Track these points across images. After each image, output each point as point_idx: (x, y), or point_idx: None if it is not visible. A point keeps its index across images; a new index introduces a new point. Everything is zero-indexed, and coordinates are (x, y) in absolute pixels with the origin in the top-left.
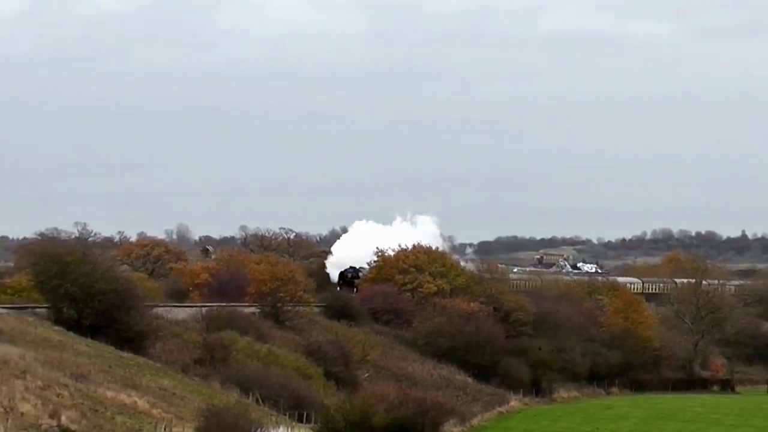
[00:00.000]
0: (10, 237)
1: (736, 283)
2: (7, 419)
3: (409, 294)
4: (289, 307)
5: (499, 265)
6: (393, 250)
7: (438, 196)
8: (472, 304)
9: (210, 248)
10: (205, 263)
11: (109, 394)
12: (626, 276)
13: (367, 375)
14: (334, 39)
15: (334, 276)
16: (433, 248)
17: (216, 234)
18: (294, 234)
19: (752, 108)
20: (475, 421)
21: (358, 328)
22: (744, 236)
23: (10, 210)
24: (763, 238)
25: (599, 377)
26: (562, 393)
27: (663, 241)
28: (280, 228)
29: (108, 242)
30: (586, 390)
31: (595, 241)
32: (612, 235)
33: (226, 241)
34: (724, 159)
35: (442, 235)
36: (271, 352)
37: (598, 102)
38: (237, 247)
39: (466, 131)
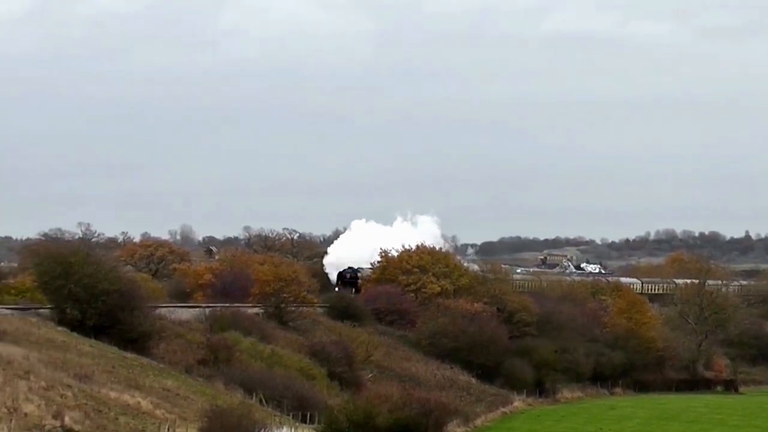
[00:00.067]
0: (14, 237)
1: (740, 283)
2: (11, 420)
3: (412, 294)
4: (293, 308)
5: (503, 266)
6: (396, 251)
7: (440, 196)
8: (475, 304)
9: (213, 249)
10: (209, 264)
11: (113, 394)
12: (628, 277)
13: (370, 375)
14: (335, 39)
15: (333, 276)
16: (436, 249)
17: (219, 234)
18: (297, 234)
19: (753, 108)
20: (478, 422)
21: (361, 329)
22: (747, 237)
23: (13, 210)
24: (766, 239)
25: (603, 378)
26: (566, 393)
27: (666, 242)
28: (284, 228)
29: (111, 243)
30: (589, 390)
31: (598, 241)
32: (615, 235)
33: (229, 242)
34: (727, 159)
35: (443, 236)
36: (275, 352)
37: (600, 102)
38: (240, 248)
39: (467, 131)
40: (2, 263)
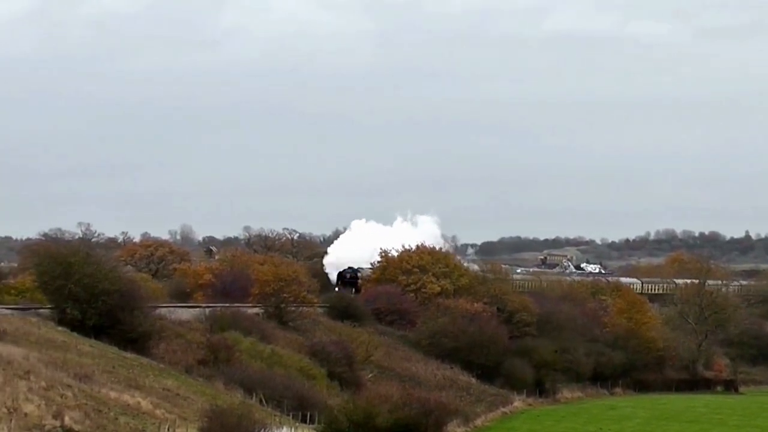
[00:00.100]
0: (14, 237)
1: (740, 283)
2: (11, 420)
3: (412, 294)
4: (293, 308)
5: (503, 266)
6: (397, 251)
7: (441, 196)
8: (475, 304)
9: (213, 249)
10: (209, 264)
11: (113, 394)
12: (628, 277)
13: (370, 375)
14: (335, 39)
15: (333, 276)
16: (436, 249)
17: (220, 234)
18: (297, 234)
19: (753, 108)
20: (478, 422)
21: (361, 329)
22: (747, 237)
23: (13, 210)
24: (766, 239)
25: (603, 378)
26: (566, 393)
27: (666, 242)
28: (284, 228)
29: (112, 243)
30: (589, 390)
31: (598, 241)
32: (615, 235)
33: (229, 242)
34: (727, 159)
35: (443, 236)
36: (275, 352)
37: (600, 102)
38: (240, 248)
39: (468, 131)
40: (2, 263)
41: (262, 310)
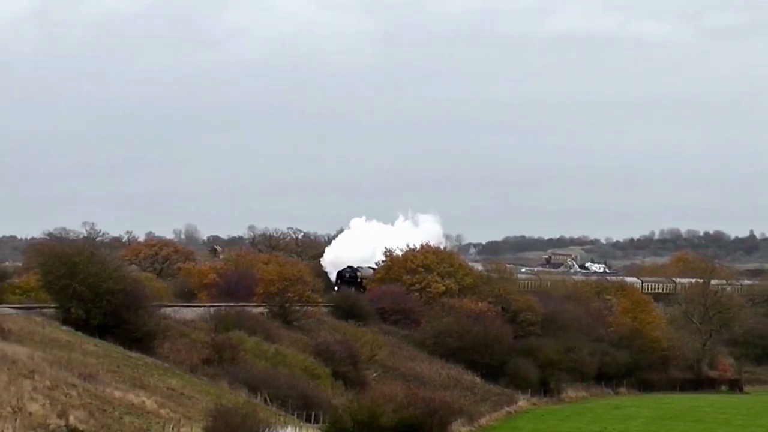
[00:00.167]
0: (19, 237)
1: (745, 283)
2: (16, 419)
3: (417, 294)
4: (298, 307)
5: (507, 265)
6: (401, 250)
7: (445, 196)
8: (480, 304)
9: (218, 248)
10: (214, 263)
11: (118, 394)
12: (630, 276)
13: (375, 375)
14: (336, 39)
15: (332, 275)
16: (440, 248)
17: (224, 234)
18: (302, 234)
19: (756, 108)
20: (483, 421)
21: (366, 328)
22: (752, 236)
23: (18, 210)
24: None
25: (607, 377)
26: (570, 393)
27: (671, 241)
28: (288, 228)
29: (116, 242)
30: (594, 390)
31: (603, 241)
32: (620, 235)
33: (234, 241)
34: (731, 159)
35: (445, 235)
36: (280, 352)
37: (603, 102)
38: (245, 247)
39: (470, 131)
40: (7, 263)
41: (266, 310)
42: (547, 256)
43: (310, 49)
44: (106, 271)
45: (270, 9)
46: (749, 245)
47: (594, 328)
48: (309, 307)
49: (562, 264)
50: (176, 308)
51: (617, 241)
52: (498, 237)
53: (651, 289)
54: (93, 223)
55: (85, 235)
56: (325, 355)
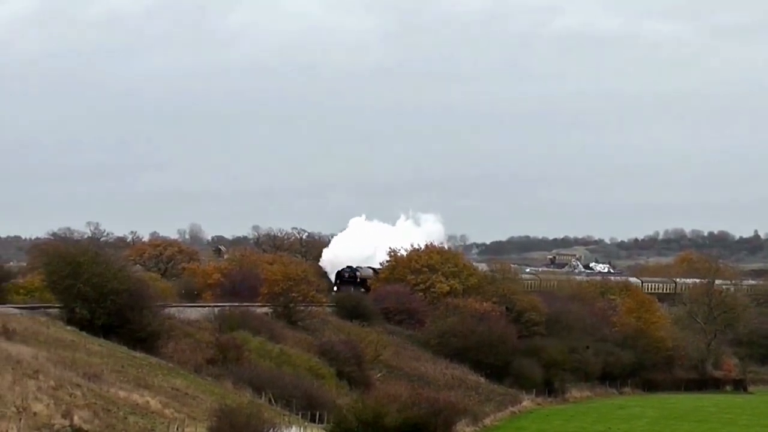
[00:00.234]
0: (23, 237)
1: (749, 283)
2: (20, 419)
3: (421, 294)
4: (302, 307)
5: (512, 265)
6: (405, 250)
7: (449, 195)
8: (484, 304)
9: (222, 248)
10: (218, 263)
11: (122, 394)
12: (632, 276)
13: (379, 375)
14: (343, 39)
15: (331, 275)
16: (444, 248)
17: (228, 234)
18: (306, 234)
19: (762, 107)
20: (487, 421)
21: (370, 328)
22: (756, 236)
23: (22, 210)
24: None
25: (612, 377)
26: (575, 393)
27: (675, 241)
28: (293, 228)
29: (120, 242)
30: (598, 390)
31: (607, 241)
32: (624, 235)
33: (238, 241)
34: (736, 158)
35: (450, 235)
36: (284, 352)
37: (608, 101)
38: (249, 247)
39: (475, 130)
40: (11, 263)
41: (271, 310)
42: (551, 256)
43: (318, 49)
44: (111, 271)
45: (276, 9)
46: (754, 245)
47: (598, 328)
48: (313, 307)
49: (567, 264)
50: (180, 308)
51: (621, 242)
52: (502, 237)
53: (651, 289)
54: (97, 223)
55: (90, 235)
56: (330, 355)
